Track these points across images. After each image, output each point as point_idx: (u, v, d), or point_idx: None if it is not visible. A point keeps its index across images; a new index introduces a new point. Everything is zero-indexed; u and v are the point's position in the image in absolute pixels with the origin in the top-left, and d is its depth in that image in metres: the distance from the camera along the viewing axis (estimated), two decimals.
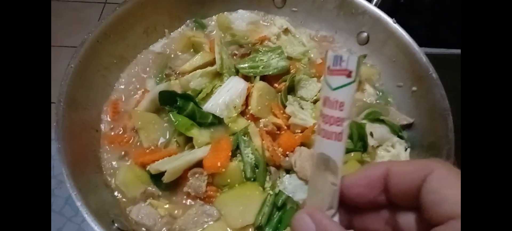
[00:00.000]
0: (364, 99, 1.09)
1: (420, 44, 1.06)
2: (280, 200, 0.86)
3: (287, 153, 0.92)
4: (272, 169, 0.90)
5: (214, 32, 1.18)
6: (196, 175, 0.87)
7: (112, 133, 0.97)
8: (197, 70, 1.03)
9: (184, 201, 0.88)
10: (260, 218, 0.84)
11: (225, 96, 0.96)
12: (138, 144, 0.95)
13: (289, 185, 0.87)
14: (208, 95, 1.00)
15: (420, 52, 1.03)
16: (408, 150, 0.98)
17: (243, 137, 0.93)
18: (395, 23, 1.07)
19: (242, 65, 1.04)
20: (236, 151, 0.92)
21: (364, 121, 1.01)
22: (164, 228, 0.84)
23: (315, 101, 1.03)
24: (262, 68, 1.04)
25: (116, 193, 0.89)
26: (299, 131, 0.96)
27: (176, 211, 0.87)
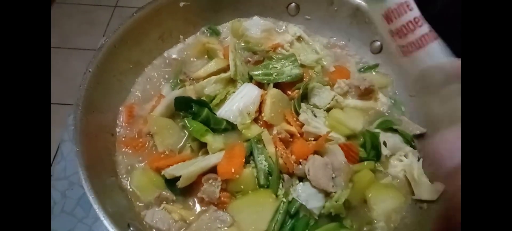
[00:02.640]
0: (377, 108, 1.09)
1: None
2: (293, 208, 0.86)
3: (300, 160, 0.92)
4: (285, 176, 0.91)
5: (228, 38, 1.19)
6: (210, 181, 0.87)
7: (128, 137, 0.99)
8: (212, 77, 1.05)
9: (198, 207, 0.89)
10: (273, 226, 0.84)
11: (239, 103, 0.97)
12: (153, 148, 0.96)
13: (303, 193, 0.87)
14: (222, 101, 1.01)
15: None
16: (421, 160, 0.98)
17: (256, 143, 0.94)
18: None
19: (255, 72, 1.05)
20: (249, 157, 0.92)
21: (377, 130, 1.01)
22: None
23: (328, 109, 1.04)
24: (276, 75, 1.05)
25: (130, 197, 0.90)
26: (312, 138, 0.97)
27: (190, 217, 0.88)
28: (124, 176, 0.93)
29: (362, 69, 1.17)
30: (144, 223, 0.86)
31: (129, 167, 0.94)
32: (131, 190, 0.91)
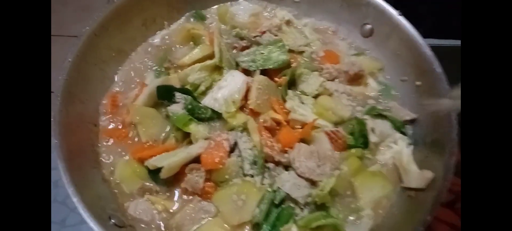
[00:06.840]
0: (367, 93, 1.06)
1: (428, 34, 1.03)
2: (278, 197, 0.85)
3: (286, 149, 0.90)
4: (271, 165, 0.89)
5: (214, 24, 1.16)
6: (194, 171, 0.86)
7: (111, 127, 0.97)
8: (196, 64, 1.02)
9: (181, 197, 0.88)
10: (257, 215, 0.83)
11: (224, 91, 0.95)
12: (136, 138, 0.94)
13: (287, 182, 0.86)
14: (208, 89, 0.99)
15: (425, 46, 0.99)
16: (411, 146, 0.96)
17: (241, 132, 0.91)
18: (400, 15, 1.04)
19: (242, 59, 1.02)
20: (234, 146, 0.90)
21: (366, 116, 0.99)
22: (161, 224, 0.85)
23: (316, 96, 1.01)
24: (262, 62, 1.02)
25: (113, 188, 0.89)
26: (299, 126, 0.94)
27: (173, 207, 0.86)
28: (107, 167, 0.92)
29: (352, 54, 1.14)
30: (127, 214, 0.85)
31: (112, 158, 0.93)
32: (114, 181, 0.89)
